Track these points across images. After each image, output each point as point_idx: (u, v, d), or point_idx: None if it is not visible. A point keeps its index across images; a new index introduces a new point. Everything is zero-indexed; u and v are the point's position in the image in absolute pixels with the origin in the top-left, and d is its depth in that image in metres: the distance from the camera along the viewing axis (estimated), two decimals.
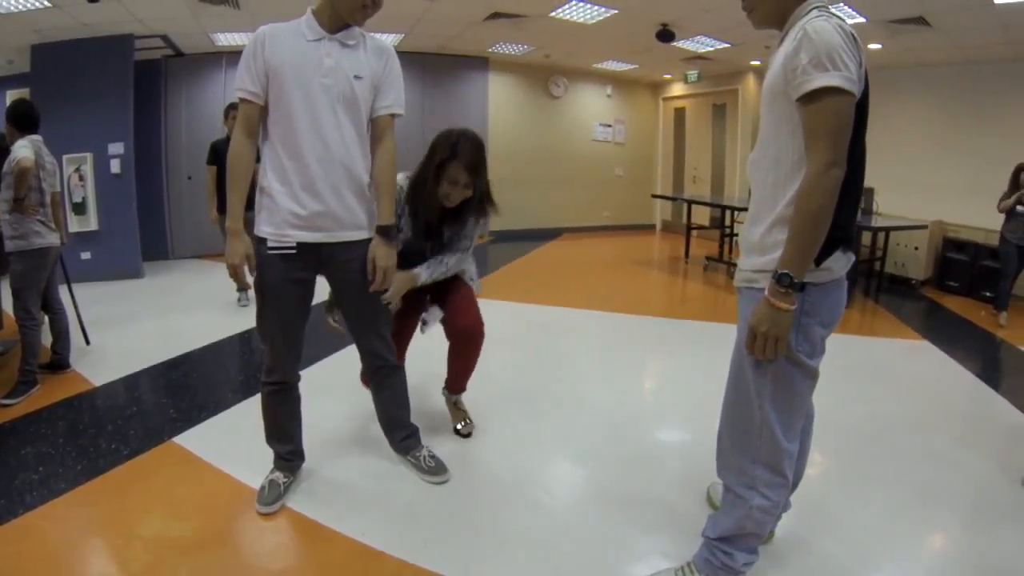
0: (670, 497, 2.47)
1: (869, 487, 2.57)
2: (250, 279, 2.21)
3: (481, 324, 2.76)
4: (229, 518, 2.30)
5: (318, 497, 2.42)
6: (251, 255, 2.13)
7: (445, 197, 2.49)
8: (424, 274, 2.58)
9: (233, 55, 8.03)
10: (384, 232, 2.22)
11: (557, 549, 2.14)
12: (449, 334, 2.78)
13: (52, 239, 3.53)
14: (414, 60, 8.51)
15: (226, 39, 7.37)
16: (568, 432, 3.07)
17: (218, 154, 5.02)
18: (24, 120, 3.48)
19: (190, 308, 5.49)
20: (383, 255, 2.21)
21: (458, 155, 2.43)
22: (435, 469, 2.57)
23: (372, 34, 2.24)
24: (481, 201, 2.59)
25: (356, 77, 2.13)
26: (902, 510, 2.40)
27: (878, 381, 3.87)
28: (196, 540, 2.15)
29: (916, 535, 2.28)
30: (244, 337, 4.58)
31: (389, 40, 7.31)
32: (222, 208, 4.89)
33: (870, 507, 2.41)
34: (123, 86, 6.59)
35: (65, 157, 6.21)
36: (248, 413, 3.03)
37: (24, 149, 3.35)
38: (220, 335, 4.60)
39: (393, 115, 2.27)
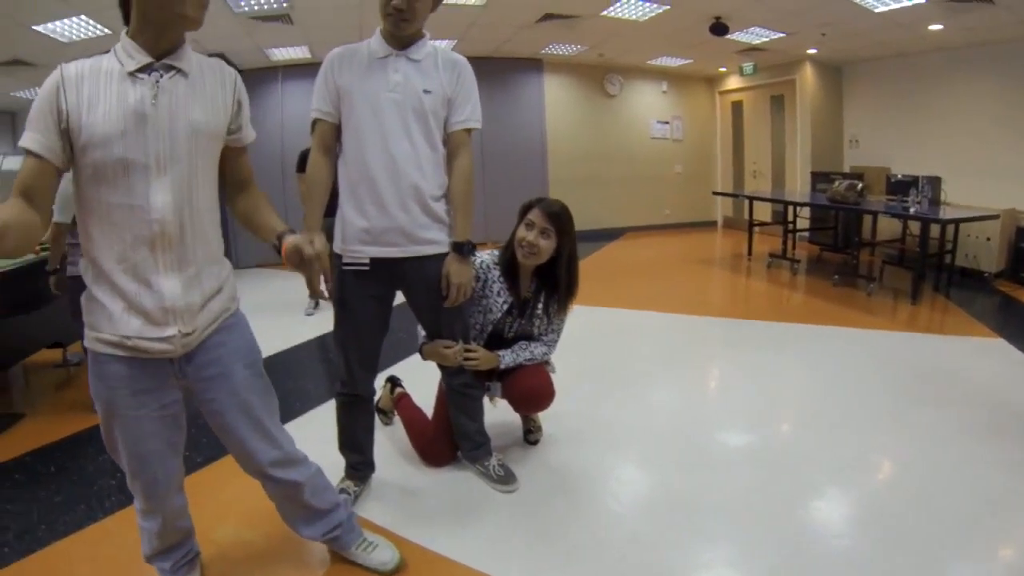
0: (736, 504, 2.43)
1: (938, 495, 2.47)
2: (323, 288, 2.23)
3: (548, 387, 2.68)
4: None
5: (387, 503, 2.48)
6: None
7: (520, 244, 2.48)
8: (508, 358, 2.59)
9: (288, 69, 8.29)
10: (458, 248, 2.23)
11: (624, 557, 2.14)
12: (511, 398, 2.74)
13: None
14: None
15: (280, 54, 7.61)
16: (634, 437, 3.06)
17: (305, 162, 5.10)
18: None
19: (255, 314, 5.55)
20: (456, 271, 2.23)
21: (542, 201, 2.50)
22: (504, 478, 2.59)
23: (443, 46, 2.26)
24: (568, 271, 2.55)
25: (425, 91, 2.16)
26: (973, 521, 2.29)
27: (949, 382, 3.69)
28: (268, 547, 2.23)
29: (988, 548, 2.18)
30: (316, 345, 4.69)
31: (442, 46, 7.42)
32: None
33: (939, 517, 2.31)
34: None
35: None
36: (320, 421, 3.10)
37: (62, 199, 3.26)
38: (291, 342, 4.72)
39: (469, 130, 2.27)
